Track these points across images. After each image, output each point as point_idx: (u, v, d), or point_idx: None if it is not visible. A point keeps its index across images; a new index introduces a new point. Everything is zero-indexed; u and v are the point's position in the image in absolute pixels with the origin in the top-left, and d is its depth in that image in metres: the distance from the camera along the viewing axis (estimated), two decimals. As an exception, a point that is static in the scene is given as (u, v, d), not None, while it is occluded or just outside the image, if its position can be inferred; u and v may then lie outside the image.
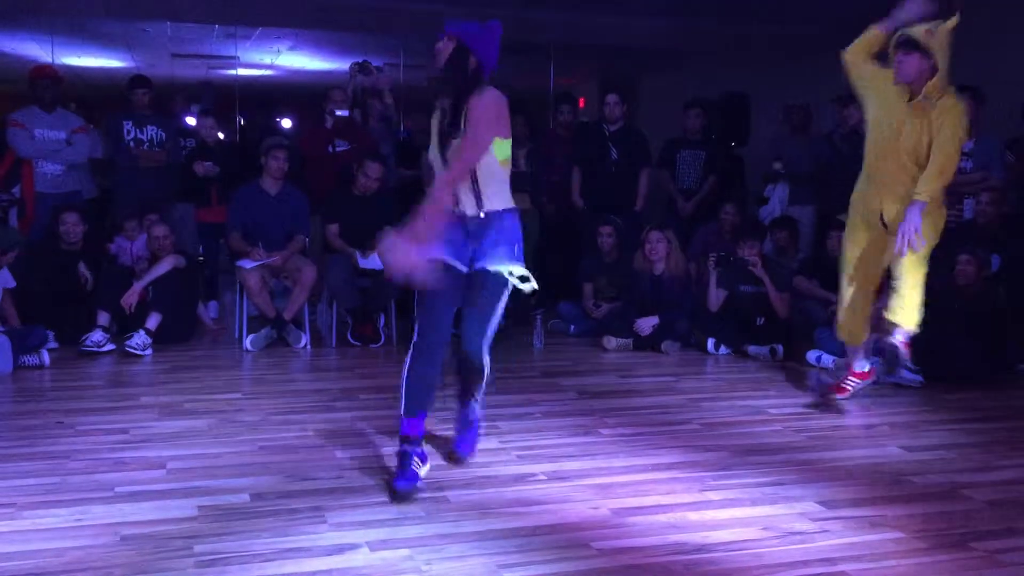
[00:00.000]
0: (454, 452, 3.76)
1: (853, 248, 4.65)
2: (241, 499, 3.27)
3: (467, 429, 3.79)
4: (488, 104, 3.31)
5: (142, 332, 5.90)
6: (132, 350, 5.81)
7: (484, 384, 3.66)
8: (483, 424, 3.88)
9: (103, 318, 6.02)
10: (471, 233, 3.44)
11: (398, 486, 3.31)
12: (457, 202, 3.41)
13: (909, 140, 4.34)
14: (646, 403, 4.84)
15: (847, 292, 4.70)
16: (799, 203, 7.52)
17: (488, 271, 3.43)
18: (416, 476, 3.37)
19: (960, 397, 4.98)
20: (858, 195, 4.62)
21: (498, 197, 3.43)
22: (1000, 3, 7.28)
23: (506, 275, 3.42)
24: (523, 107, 8.43)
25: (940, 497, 3.42)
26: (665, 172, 7.71)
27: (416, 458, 3.41)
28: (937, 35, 4.21)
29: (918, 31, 4.26)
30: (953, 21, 4.21)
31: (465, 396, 3.75)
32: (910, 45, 4.26)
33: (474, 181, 3.39)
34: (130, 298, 6.04)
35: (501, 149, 3.37)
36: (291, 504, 3.22)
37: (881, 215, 4.49)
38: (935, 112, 4.27)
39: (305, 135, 7.67)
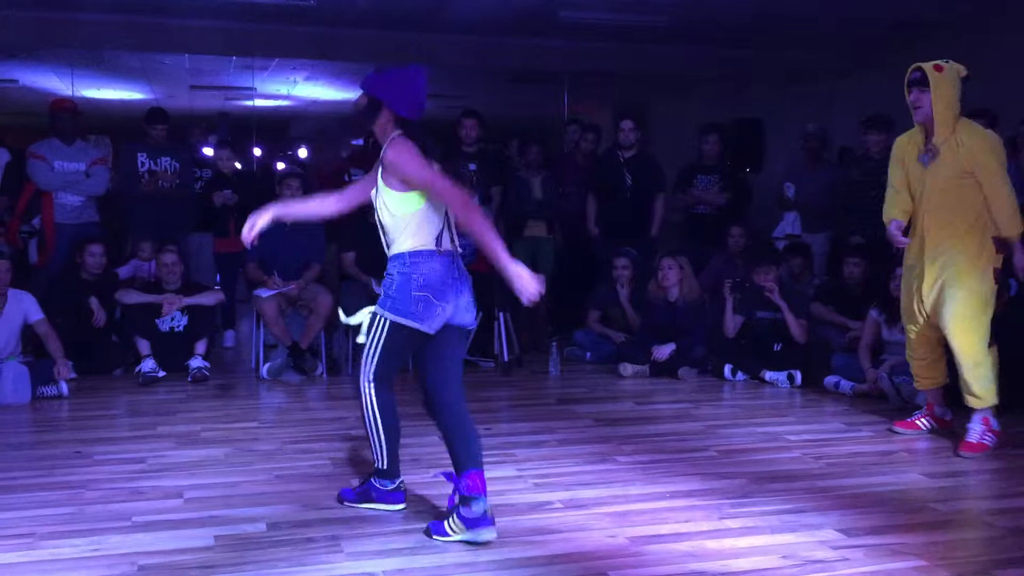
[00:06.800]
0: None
1: None
2: (258, 528, 3.26)
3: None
4: (400, 154, 3.20)
5: (198, 357, 6.16)
6: (199, 372, 6.06)
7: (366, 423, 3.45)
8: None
9: (144, 346, 6.14)
10: None
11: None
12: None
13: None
14: (663, 430, 4.81)
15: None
16: (810, 231, 7.47)
17: None
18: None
19: (981, 423, 4.93)
20: None
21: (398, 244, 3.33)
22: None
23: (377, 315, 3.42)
24: (537, 135, 8.46)
25: (962, 525, 3.38)
26: (684, 191, 7.66)
27: None
28: (946, 71, 4.25)
29: (928, 65, 4.28)
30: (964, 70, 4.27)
31: None
32: (924, 82, 4.28)
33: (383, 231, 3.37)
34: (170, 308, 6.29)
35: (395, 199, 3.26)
36: (308, 533, 3.22)
37: None
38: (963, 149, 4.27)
39: (321, 164, 7.73)
